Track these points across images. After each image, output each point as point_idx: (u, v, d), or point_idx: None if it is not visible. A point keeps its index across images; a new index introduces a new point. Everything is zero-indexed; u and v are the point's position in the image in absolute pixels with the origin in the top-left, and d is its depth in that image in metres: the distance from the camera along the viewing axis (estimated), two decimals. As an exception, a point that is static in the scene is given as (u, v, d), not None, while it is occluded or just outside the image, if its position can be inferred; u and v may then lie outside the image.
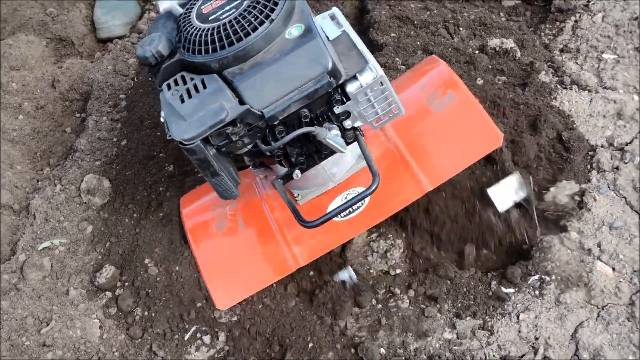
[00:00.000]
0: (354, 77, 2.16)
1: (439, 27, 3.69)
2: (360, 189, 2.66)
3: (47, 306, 3.00)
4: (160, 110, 2.04)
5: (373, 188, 2.23)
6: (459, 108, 2.68)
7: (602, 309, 2.79)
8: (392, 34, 3.63)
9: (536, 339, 2.75)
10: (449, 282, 2.97)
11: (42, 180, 3.57)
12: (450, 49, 3.49)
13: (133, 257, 3.05)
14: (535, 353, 2.73)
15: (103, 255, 3.18)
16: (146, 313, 2.96)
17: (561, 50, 3.62)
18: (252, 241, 2.78)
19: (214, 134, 1.97)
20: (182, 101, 1.99)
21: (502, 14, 3.86)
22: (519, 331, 2.77)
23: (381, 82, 2.19)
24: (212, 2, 2.15)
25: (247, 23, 2.03)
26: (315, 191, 2.69)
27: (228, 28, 2.03)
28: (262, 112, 2.00)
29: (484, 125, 2.67)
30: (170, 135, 1.97)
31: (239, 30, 2.02)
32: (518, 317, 2.80)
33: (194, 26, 2.09)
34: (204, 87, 2.00)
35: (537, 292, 2.85)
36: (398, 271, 3.04)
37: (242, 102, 1.99)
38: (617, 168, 3.13)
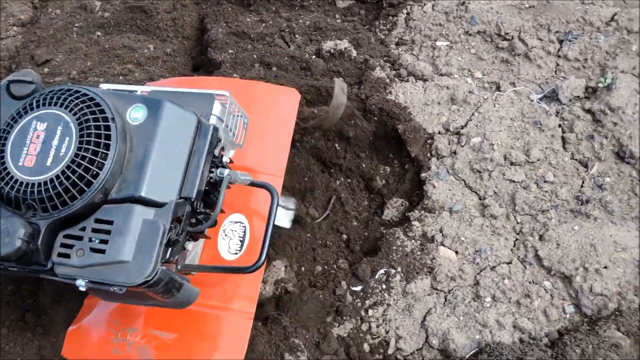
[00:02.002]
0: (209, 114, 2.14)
1: (275, 37, 3.70)
2: (238, 216, 2.64)
3: None
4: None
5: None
6: None
7: (449, 292, 2.82)
8: (230, 51, 3.63)
9: (387, 332, 2.76)
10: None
11: None
12: (286, 58, 3.50)
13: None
14: (387, 346, 2.74)
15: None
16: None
17: (397, 44, 3.66)
18: None
19: (162, 251, 1.83)
20: (102, 251, 1.80)
21: (337, 16, 3.89)
22: (370, 327, 2.77)
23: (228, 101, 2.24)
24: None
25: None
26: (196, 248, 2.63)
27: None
28: (186, 197, 1.93)
29: None
30: (123, 289, 1.79)
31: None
32: (367, 312, 2.80)
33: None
34: (109, 223, 1.83)
35: (384, 286, 2.86)
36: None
37: (157, 205, 1.88)
38: (455, 152, 3.17)
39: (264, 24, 3.80)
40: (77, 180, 1.82)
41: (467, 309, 2.74)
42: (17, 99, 2.04)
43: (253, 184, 2.30)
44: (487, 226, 2.92)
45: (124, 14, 3.91)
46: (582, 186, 3.00)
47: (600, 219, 2.86)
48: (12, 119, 1.95)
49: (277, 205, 2.22)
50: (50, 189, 1.82)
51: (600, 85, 3.21)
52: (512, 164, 3.07)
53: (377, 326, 2.77)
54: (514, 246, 2.88)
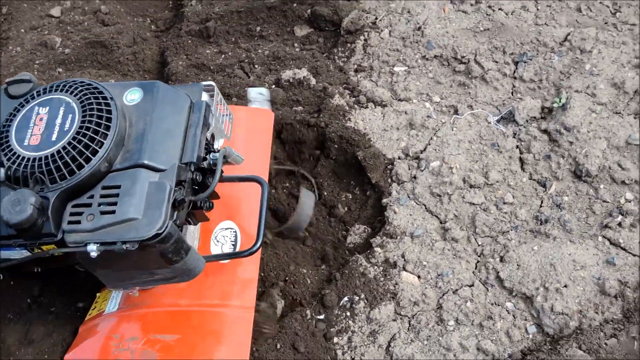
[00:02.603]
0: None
1: (235, 68, 3.72)
2: (228, 223, 2.69)
3: None
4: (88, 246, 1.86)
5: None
6: None
7: (412, 317, 2.83)
8: (190, 83, 3.65)
9: (352, 359, 2.76)
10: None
11: None
12: (246, 89, 3.52)
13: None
14: (353, 375, 2.74)
15: None
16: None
17: (355, 71, 3.70)
18: None
19: (170, 208, 1.91)
20: (112, 212, 1.86)
21: (296, 45, 3.92)
22: (335, 355, 2.77)
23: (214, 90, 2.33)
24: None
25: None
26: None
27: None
28: (187, 162, 2.03)
29: None
30: (135, 244, 1.83)
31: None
32: (332, 340, 2.80)
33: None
34: (116, 187, 1.92)
35: (348, 313, 2.86)
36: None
37: (160, 171, 1.99)
38: (415, 177, 3.19)
39: (223, 55, 3.82)
40: (83, 150, 1.91)
41: (430, 333, 2.76)
42: (16, 98, 2.12)
43: (242, 179, 2.44)
44: (448, 249, 2.95)
45: (84, 50, 3.92)
46: (540, 206, 3.04)
47: (559, 238, 2.90)
48: (14, 110, 2.06)
49: (267, 195, 2.37)
50: (58, 160, 1.89)
51: (555, 105, 3.26)
52: (471, 186, 3.10)
53: (343, 353, 2.77)
54: (475, 268, 2.91)
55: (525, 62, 3.48)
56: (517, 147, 3.22)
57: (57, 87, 2.07)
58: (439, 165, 3.17)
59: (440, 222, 3.05)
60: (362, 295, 2.88)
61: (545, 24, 3.65)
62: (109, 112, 1.99)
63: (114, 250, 1.85)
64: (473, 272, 2.89)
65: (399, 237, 3.01)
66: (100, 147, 1.94)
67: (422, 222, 3.06)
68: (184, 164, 2.03)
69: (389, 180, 3.23)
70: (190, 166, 2.05)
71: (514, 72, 3.48)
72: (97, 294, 2.77)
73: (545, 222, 2.96)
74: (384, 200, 3.16)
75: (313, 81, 3.55)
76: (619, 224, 2.87)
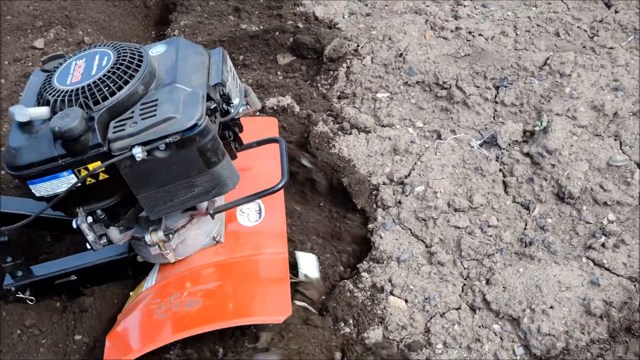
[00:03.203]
0: None
1: (219, 97, 3.75)
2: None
3: None
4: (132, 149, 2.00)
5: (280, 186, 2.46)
6: None
7: (400, 342, 2.83)
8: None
9: (342, 386, 2.75)
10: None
11: None
12: (231, 117, 3.54)
13: None
14: (343, 401, 2.74)
15: None
16: None
17: (339, 98, 3.74)
18: None
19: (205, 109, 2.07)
20: (153, 115, 2.03)
21: (279, 73, 3.96)
22: (325, 382, 2.77)
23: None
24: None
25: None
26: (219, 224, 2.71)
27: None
28: (215, 83, 2.22)
29: None
30: (178, 136, 1.98)
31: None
32: (322, 367, 2.80)
33: None
34: (154, 101, 2.09)
35: (337, 339, 2.86)
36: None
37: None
38: (400, 202, 3.22)
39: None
40: (121, 75, 2.09)
41: (419, 357, 2.76)
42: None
43: (260, 143, 2.69)
44: (434, 273, 2.96)
45: (68, 81, 3.92)
46: (525, 228, 3.07)
47: (544, 260, 2.92)
48: (53, 69, 2.25)
49: (286, 149, 2.61)
50: (100, 84, 2.06)
51: (536, 128, 3.30)
52: (456, 210, 3.12)
53: (333, 380, 2.76)
54: (462, 291, 2.92)
55: (506, 87, 3.53)
56: (500, 170, 3.26)
57: (88, 48, 2.27)
58: (424, 190, 3.20)
59: (426, 246, 3.07)
60: (350, 321, 2.88)
61: (524, 48, 3.71)
62: (140, 54, 2.18)
63: (156, 155, 2.00)
64: (460, 295, 2.91)
65: (385, 262, 3.03)
66: (135, 73, 2.10)
67: (408, 246, 3.08)
68: (212, 86, 2.20)
69: (374, 205, 3.25)
70: (217, 87, 2.21)
71: (495, 96, 3.52)
72: (130, 293, 2.79)
73: (529, 244, 2.99)
74: (370, 226, 3.18)
75: (297, 108, 3.58)
76: (603, 245, 2.90)
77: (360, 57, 3.81)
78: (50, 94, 2.10)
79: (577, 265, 2.88)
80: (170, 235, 2.41)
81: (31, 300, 2.78)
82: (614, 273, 2.83)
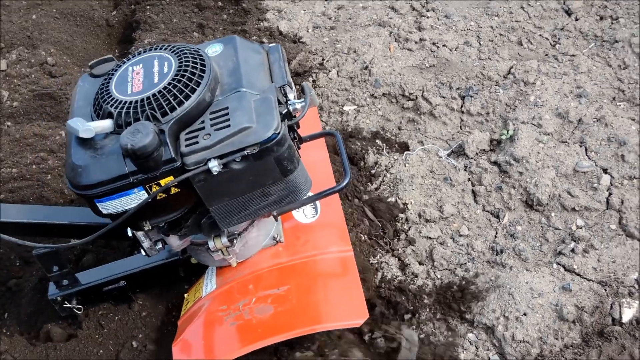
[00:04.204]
0: None
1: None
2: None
3: None
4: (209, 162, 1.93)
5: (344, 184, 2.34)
6: None
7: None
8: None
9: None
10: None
11: None
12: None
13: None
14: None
15: None
16: None
17: (306, 112, 3.73)
18: None
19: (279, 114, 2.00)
20: (227, 126, 1.92)
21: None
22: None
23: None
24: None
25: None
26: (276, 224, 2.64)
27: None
28: (280, 85, 2.11)
29: None
30: (256, 148, 1.90)
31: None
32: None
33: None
34: (224, 109, 1.99)
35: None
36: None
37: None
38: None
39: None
40: (187, 82, 1.98)
41: None
42: (101, 77, 2.18)
43: (315, 136, 2.57)
44: (408, 285, 2.97)
45: (32, 102, 3.89)
46: (495, 237, 3.09)
47: (515, 267, 2.95)
48: (107, 76, 2.12)
49: (343, 143, 2.54)
50: (166, 93, 1.95)
51: (503, 137, 3.34)
52: (427, 221, 3.14)
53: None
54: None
55: (471, 96, 3.56)
56: (469, 179, 3.28)
57: (143, 50, 2.16)
58: (394, 202, 3.21)
59: (399, 259, 3.08)
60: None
61: (488, 58, 3.75)
62: (202, 58, 2.08)
63: (233, 167, 1.93)
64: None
65: (359, 275, 3.02)
66: (201, 79, 2.00)
67: (381, 258, 3.08)
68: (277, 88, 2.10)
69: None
70: (282, 89, 2.10)
71: (462, 106, 3.55)
72: (185, 295, 2.73)
73: (500, 252, 3.01)
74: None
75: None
76: (572, 250, 2.93)
77: (326, 71, 3.82)
78: (111, 106, 1.99)
79: (548, 271, 2.90)
80: (234, 240, 2.35)
81: (79, 309, 2.70)
82: (584, 278, 2.86)
